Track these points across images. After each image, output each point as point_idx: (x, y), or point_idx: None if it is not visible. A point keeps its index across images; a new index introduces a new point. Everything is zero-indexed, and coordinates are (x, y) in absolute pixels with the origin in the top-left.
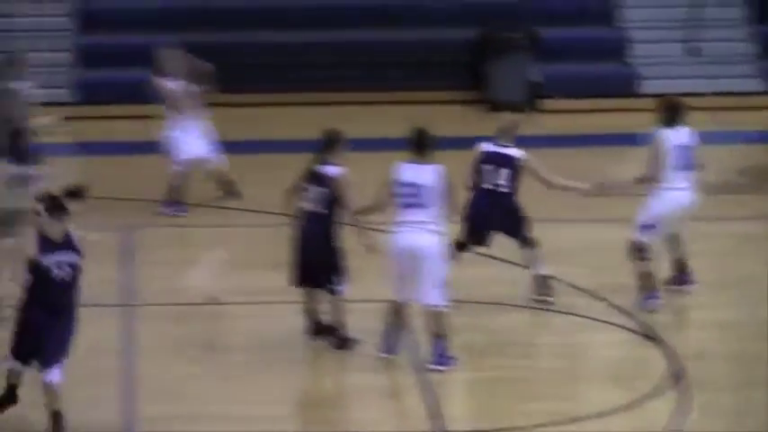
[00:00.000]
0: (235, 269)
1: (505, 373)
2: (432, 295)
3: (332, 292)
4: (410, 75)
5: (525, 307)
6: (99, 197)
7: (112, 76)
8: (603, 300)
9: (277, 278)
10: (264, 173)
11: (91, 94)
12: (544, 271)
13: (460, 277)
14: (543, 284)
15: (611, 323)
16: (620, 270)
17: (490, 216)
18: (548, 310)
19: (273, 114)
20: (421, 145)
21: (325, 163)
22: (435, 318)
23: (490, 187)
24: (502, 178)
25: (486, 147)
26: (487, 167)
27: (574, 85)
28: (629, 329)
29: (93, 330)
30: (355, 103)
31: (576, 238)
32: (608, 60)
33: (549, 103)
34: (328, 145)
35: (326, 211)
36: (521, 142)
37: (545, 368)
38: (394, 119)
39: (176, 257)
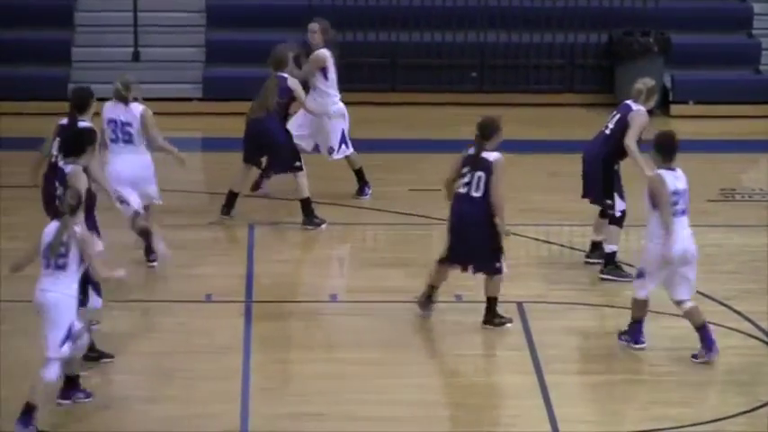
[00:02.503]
0: (357, 267)
1: (629, 377)
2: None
3: (493, 271)
4: (542, 77)
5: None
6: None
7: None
8: (728, 305)
9: (400, 277)
10: (391, 172)
11: (218, 90)
12: None
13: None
14: None
15: (736, 329)
16: (747, 276)
17: None
18: (671, 314)
19: (398, 114)
20: (672, 151)
21: (482, 149)
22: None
23: None
24: None
25: None
26: None
27: (704, 91)
28: (754, 337)
29: (214, 326)
30: (489, 105)
31: (701, 243)
32: (740, 67)
33: (679, 109)
34: (486, 132)
35: (483, 195)
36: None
37: (665, 372)
38: (523, 120)
39: (297, 255)
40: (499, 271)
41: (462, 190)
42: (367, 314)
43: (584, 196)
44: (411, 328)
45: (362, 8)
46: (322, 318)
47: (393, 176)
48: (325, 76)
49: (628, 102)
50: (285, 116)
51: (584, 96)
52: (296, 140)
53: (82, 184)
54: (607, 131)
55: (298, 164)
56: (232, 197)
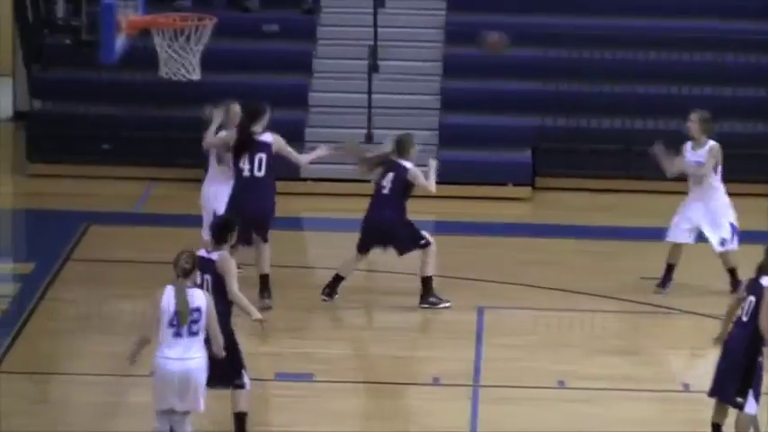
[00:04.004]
0: (582, 354)
1: None
2: None
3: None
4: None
5: None
6: (454, 277)
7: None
8: None
9: (621, 364)
10: (620, 260)
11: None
12: None
13: None
14: None
15: None
16: None
17: None
18: None
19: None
20: None
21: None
22: None
23: None
24: None
25: None
26: None
27: None
28: None
29: (443, 410)
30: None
31: None
32: None
33: None
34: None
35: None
36: None
37: None
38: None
39: (523, 339)
40: (741, 407)
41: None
42: (595, 401)
43: None
44: (634, 417)
45: (597, 94)
46: (547, 404)
47: (623, 264)
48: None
49: None
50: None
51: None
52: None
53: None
54: None
55: (423, 241)
56: (338, 280)
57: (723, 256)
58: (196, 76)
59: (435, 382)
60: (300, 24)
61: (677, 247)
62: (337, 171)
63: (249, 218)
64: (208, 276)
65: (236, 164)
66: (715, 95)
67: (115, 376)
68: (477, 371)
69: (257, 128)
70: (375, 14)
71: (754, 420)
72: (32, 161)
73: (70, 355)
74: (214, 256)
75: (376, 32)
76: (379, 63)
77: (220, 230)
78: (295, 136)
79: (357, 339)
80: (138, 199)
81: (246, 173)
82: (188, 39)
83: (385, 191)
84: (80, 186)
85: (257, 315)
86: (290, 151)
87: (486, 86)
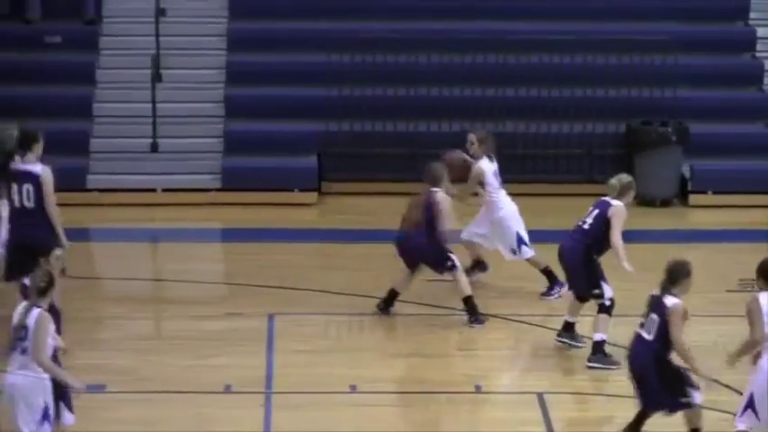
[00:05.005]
0: (374, 357)
1: None
2: None
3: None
4: (561, 167)
5: None
6: (243, 284)
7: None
8: None
9: (414, 367)
10: None
11: (237, 181)
12: None
13: None
14: None
15: None
16: None
17: None
18: None
19: None
20: None
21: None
22: None
23: None
24: None
25: None
26: None
27: (723, 181)
28: None
29: (236, 417)
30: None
31: (719, 332)
32: (759, 157)
33: (697, 198)
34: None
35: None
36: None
37: None
38: (541, 211)
39: (315, 344)
40: (686, 406)
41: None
42: (385, 405)
43: (570, 288)
44: (424, 420)
45: (380, 98)
46: (340, 409)
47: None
48: (484, 188)
49: (606, 198)
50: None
51: (604, 187)
52: (477, 238)
53: None
54: (586, 226)
55: (449, 263)
56: (394, 295)
57: (528, 262)
58: None
59: (227, 389)
60: (83, 35)
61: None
62: (125, 181)
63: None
64: None
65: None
66: (498, 96)
67: None
68: (269, 378)
69: (30, 156)
70: (157, 24)
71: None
72: None
73: None
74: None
75: (158, 41)
76: (162, 72)
77: None
78: (80, 147)
79: (148, 349)
80: None
81: (16, 203)
82: None
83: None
84: None
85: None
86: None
87: (270, 93)
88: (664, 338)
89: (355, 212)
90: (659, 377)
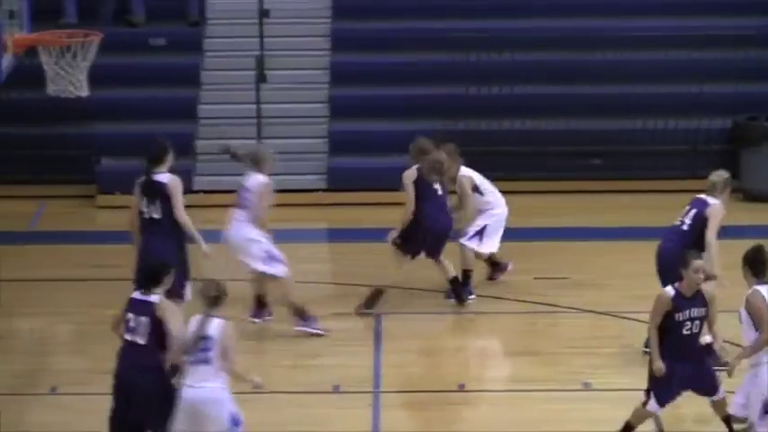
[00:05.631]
0: (484, 356)
1: None
2: None
3: None
4: (665, 163)
5: None
6: (350, 284)
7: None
8: None
9: (521, 365)
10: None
11: (342, 181)
12: None
13: None
14: None
15: None
16: None
17: None
18: None
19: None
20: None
21: None
22: None
23: None
24: None
25: None
26: None
27: None
28: None
29: (343, 417)
30: (612, 192)
31: None
32: None
33: None
34: None
35: None
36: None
37: None
38: (645, 207)
39: (423, 345)
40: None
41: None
42: (497, 404)
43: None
44: (534, 418)
45: (485, 97)
46: (450, 407)
47: (518, 265)
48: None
49: (702, 196)
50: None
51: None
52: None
53: None
54: (684, 227)
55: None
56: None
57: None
58: (84, 92)
59: (336, 389)
60: (187, 37)
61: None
62: (230, 182)
63: None
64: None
65: None
66: (604, 93)
67: (14, 395)
68: (377, 377)
69: (161, 167)
70: (261, 24)
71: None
72: None
73: None
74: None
75: (262, 42)
76: (267, 73)
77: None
78: (185, 148)
79: (256, 350)
80: (31, 217)
81: (146, 215)
82: (75, 55)
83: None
84: None
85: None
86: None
87: (375, 92)
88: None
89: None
90: None
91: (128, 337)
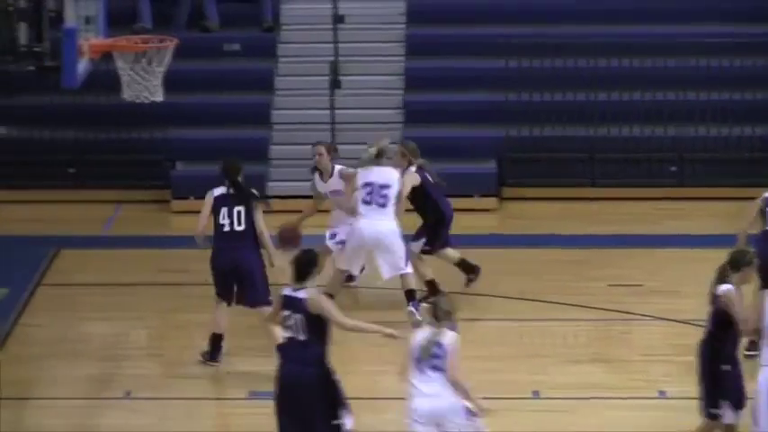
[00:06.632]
0: (558, 363)
1: None
2: None
3: None
4: (741, 170)
5: None
6: (423, 289)
7: None
8: None
9: (595, 373)
10: (589, 268)
11: None
12: None
13: None
14: None
15: None
16: None
17: None
18: None
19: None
20: None
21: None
22: None
23: None
24: None
25: None
26: None
27: None
28: None
29: None
30: (688, 199)
31: None
32: None
33: None
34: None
35: None
36: None
37: None
38: (723, 214)
39: (497, 351)
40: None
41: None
42: (570, 410)
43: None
44: (609, 424)
45: (560, 103)
46: (526, 413)
47: (592, 272)
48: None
49: None
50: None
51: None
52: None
53: None
54: None
55: None
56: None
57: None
58: (159, 97)
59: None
60: (261, 42)
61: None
62: (304, 188)
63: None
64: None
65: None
66: (678, 100)
67: (89, 399)
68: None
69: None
70: (335, 30)
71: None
72: None
73: (44, 380)
74: (301, 294)
75: (336, 48)
76: (341, 78)
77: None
78: (259, 154)
79: (342, 358)
80: (106, 222)
81: (226, 227)
82: (150, 61)
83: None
84: (48, 211)
85: (387, 330)
86: None
87: (449, 98)
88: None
89: (535, 218)
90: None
91: (287, 333)
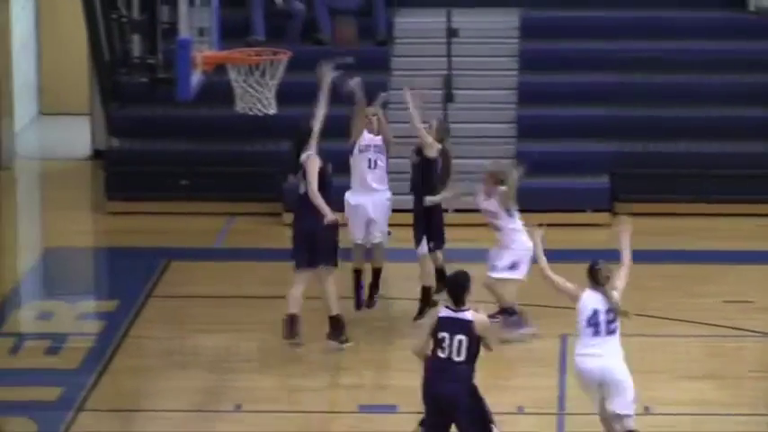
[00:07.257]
0: (669, 379)
1: None
2: None
3: None
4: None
5: None
6: (537, 305)
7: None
8: None
9: (707, 389)
10: (702, 284)
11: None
12: None
13: None
14: None
15: None
16: None
17: None
18: None
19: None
20: None
21: None
22: None
23: None
24: None
25: None
26: None
27: None
28: None
29: None
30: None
31: None
32: None
33: None
34: None
35: None
36: None
37: None
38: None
39: None
40: None
41: None
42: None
43: None
44: None
45: (672, 119)
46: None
47: (703, 288)
48: None
49: None
50: None
51: None
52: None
53: None
54: None
55: None
56: None
57: None
58: (272, 110)
59: (520, 410)
60: (374, 56)
61: None
62: None
63: None
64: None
65: None
66: None
67: (199, 412)
68: (561, 399)
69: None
70: (449, 44)
71: None
72: (111, 199)
73: (154, 391)
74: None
75: (450, 62)
76: (454, 92)
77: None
78: None
79: None
80: (217, 234)
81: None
82: (263, 73)
83: None
84: (159, 223)
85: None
86: None
87: (562, 113)
88: None
89: (647, 233)
90: None
91: (441, 354)
